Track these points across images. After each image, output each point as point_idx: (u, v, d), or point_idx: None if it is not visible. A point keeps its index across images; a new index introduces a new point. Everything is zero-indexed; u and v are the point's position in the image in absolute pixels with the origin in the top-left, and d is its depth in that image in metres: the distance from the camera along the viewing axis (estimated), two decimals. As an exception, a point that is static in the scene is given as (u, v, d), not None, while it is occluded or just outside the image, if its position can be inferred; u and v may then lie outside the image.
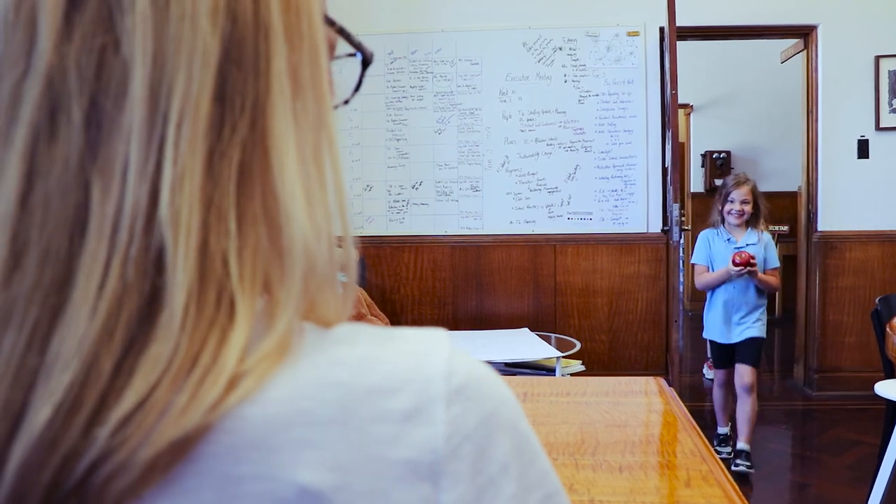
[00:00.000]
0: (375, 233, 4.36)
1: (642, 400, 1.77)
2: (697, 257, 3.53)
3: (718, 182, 6.98)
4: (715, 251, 3.46)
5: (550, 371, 3.23)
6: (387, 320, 3.96)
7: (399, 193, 4.37)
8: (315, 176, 0.36)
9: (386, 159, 4.36)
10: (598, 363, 4.18)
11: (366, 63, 0.48)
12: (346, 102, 0.49)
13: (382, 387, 0.33)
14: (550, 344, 3.44)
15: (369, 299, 3.98)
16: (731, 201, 3.38)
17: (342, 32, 0.45)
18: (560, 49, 4.28)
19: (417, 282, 4.35)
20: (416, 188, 4.36)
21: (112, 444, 0.29)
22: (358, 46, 0.47)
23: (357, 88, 0.49)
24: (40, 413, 0.29)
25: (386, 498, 0.31)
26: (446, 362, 0.34)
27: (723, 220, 3.44)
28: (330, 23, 0.43)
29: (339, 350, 0.34)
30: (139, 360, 0.30)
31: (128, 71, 0.31)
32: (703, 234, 3.51)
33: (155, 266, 0.31)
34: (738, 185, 3.38)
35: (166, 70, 0.32)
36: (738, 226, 3.41)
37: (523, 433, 0.36)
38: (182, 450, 0.30)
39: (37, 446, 0.29)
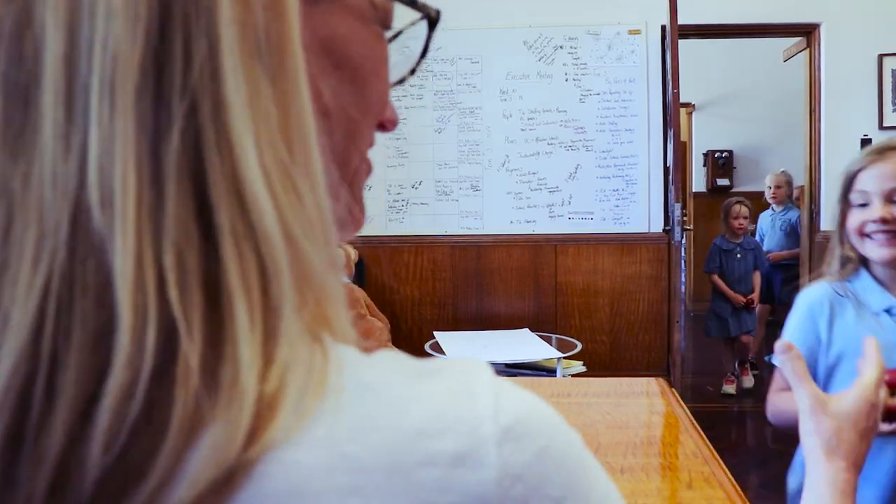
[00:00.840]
0: (375, 233, 4.34)
1: (644, 401, 1.76)
2: (791, 331, 1.45)
3: (721, 182, 6.99)
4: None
5: (551, 372, 3.21)
6: (386, 321, 3.94)
7: (399, 193, 4.35)
8: (286, 157, 0.31)
9: (385, 158, 4.34)
10: (600, 364, 4.15)
11: (432, 23, 0.43)
12: (413, 72, 0.45)
13: (428, 428, 0.30)
14: (551, 345, 3.42)
15: (369, 300, 3.95)
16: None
17: None
18: (561, 47, 4.26)
19: (417, 282, 4.33)
20: (416, 188, 4.34)
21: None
22: (414, 4, 0.42)
23: (423, 54, 0.44)
24: None
25: None
26: (493, 400, 0.32)
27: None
28: None
29: (380, 387, 0.32)
30: (69, 357, 0.27)
31: (41, 43, 0.29)
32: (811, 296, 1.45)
33: (95, 253, 0.28)
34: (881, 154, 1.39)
35: (83, 36, 0.29)
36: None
37: (578, 461, 0.34)
38: (221, 493, 0.28)
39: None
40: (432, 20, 0.43)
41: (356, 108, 0.40)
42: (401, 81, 0.45)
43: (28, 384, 0.27)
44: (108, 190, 0.28)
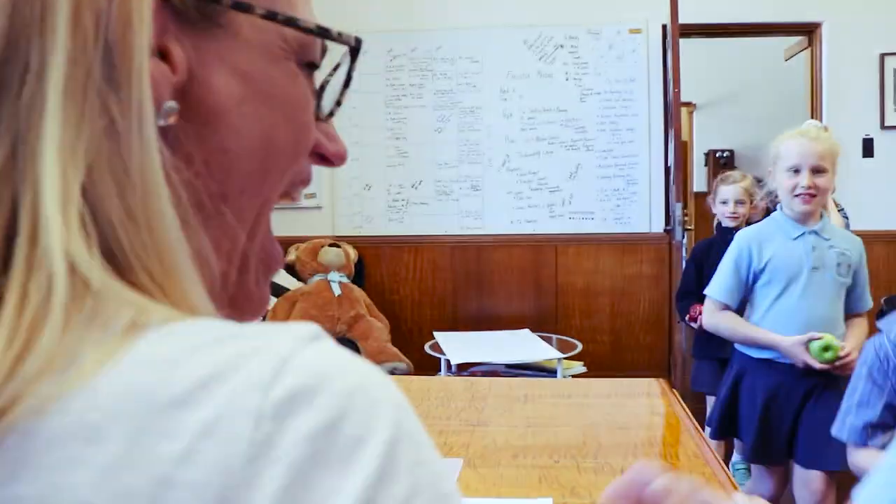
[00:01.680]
0: (374, 233, 4.33)
1: (645, 402, 1.75)
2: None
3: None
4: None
5: (552, 373, 3.20)
6: (386, 322, 3.93)
7: (399, 193, 4.34)
8: (112, 189, 0.31)
9: (385, 158, 4.33)
10: (600, 365, 4.14)
11: (353, 53, 0.43)
12: (339, 104, 0.44)
13: (187, 397, 0.27)
14: (552, 345, 3.41)
15: (368, 300, 3.95)
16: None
17: (290, 23, 0.39)
18: (561, 47, 4.25)
19: (417, 282, 4.32)
20: (416, 187, 4.33)
21: None
22: (329, 36, 0.41)
23: (346, 85, 0.44)
24: None
25: None
26: (275, 366, 0.28)
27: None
28: (271, 16, 0.38)
29: (158, 348, 0.29)
30: None
31: None
32: None
33: None
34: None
35: None
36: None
37: (385, 452, 0.28)
38: None
39: None
40: (353, 50, 0.42)
41: (264, 149, 0.39)
42: (331, 115, 0.44)
43: None
44: None
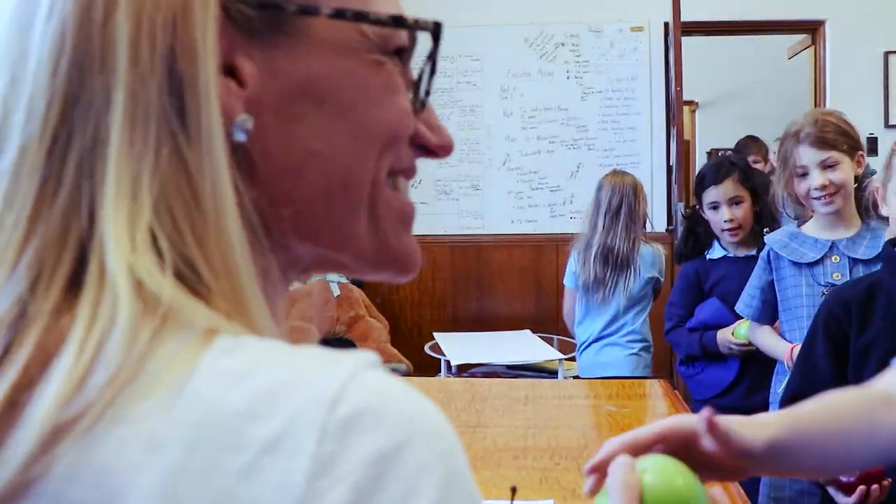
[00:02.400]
0: (375, 232, 4.30)
1: (647, 403, 1.73)
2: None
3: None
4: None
5: (553, 374, 3.18)
6: (385, 322, 3.91)
7: (398, 192, 4.32)
8: (177, 216, 0.32)
9: (385, 157, 4.31)
10: (602, 365, 4.12)
11: (435, 38, 0.42)
12: (428, 93, 0.43)
13: (251, 409, 0.27)
14: (553, 346, 3.39)
15: (367, 300, 3.92)
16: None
17: (360, 18, 0.38)
18: (562, 45, 4.22)
19: (417, 282, 4.29)
20: (415, 187, 4.30)
21: None
22: (406, 25, 0.41)
23: (432, 72, 0.43)
24: None
25: None
26: (338, 386, 0.28)
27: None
28: (339, 15, 0.38)
29: (227, 360, 0.29)
30: None
31: None
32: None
33: None
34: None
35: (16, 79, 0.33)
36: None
37: (440, 481, 0.28)
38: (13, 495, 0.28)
39: None
40: (434, 35, 0.42)
41: (354, 141, 0.39)
42: (422, 105, 0.43)
43: None
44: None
